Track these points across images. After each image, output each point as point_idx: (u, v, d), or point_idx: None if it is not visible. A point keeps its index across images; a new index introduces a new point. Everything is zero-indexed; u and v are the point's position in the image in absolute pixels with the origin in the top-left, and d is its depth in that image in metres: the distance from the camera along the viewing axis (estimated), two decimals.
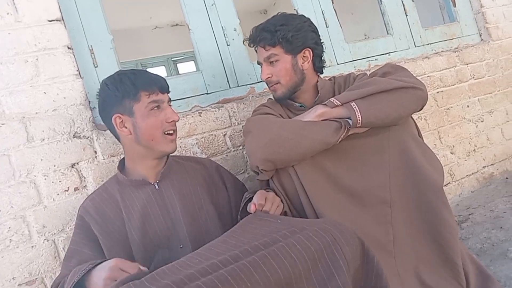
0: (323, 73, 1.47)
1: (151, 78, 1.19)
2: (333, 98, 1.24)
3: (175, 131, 1.23)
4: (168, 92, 1.23)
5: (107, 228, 1.17)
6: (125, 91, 1.16)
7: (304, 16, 1.42)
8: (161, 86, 1.20)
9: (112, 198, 1.21)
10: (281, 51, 1.35)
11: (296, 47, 1.35)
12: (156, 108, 1.18)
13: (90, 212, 1.19)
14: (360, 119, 1.17)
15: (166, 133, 1.20)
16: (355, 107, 1.18)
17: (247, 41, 1.44)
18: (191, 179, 1.28)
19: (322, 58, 1.44)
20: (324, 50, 1.45)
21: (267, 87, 1.49)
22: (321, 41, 1.43)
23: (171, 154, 1.29)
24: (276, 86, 1.39)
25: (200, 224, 1.22)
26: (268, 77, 1.38)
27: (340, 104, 1.21)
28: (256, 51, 1.44)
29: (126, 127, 1.19)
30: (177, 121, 1.22)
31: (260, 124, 1.26)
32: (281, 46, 1.34)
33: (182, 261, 0.88)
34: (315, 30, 1.41)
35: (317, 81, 1.43)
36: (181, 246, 1.18)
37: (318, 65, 1.43)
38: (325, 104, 1.24)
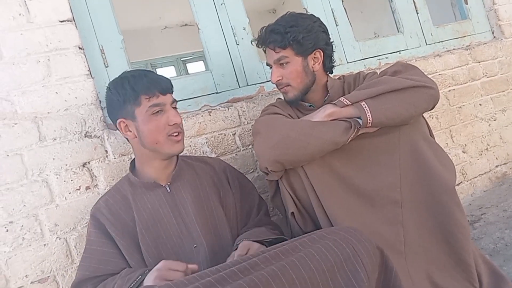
0: (332, 72, 1.45)
1: (151, 80, 1.16)
2: (342, 98, 1.22)
3: (180, 132, 1.20)
4: (171, 92, 1.21)
5: (121, 229, 1.17)
6: (126, 96, 1.15)
7: (314, 16, 1.40)
8: (162, 88, 1.16)
9: (125, 199, 1.21)
10: (292, 53, 1.33)
11: (307, 48, 1.33)
12: (158, 112, 1.16)
13: (104, 213, 1.18)
14: (371, 119, 1.16)
15: (170, 135, 1.18)
16: (365, 107, 1.17)
17: (255, 42, 1.42)
18: (200, 180, 1.28)
19: (332, 58, 1.42)
20: (334, 49, 1.43)
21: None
22: (331, 40, 1.41)
23: (180, 154, 1.29)
24: (287, 88, 1.37)
25: (212, 224, 1.22)
26: (279, 80, 1.36)
27: (350, 103, 1.20)
28: (265, 52, 1.42)
29: (131, 131, 1.19)
30: (180, 123, 1.20)
31: (268, 125, 1.25)
32: (291, 48, 1.32)
33: (202, 272, 0.87)
34: (325, 30, 1.39)
35: (327, 81, 1.42)
36: (194, 245, 1.18)
37: (328, 65, 1.42)
38: (334, 104, 1.23)
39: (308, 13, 1.41)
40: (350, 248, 0.89)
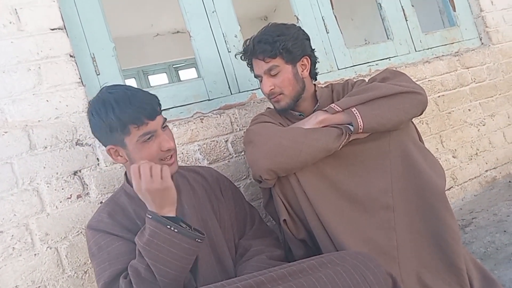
0: (316, 80, 1.47)
1: (138, 109, 1.06)
2: (333, 104, 1.23)
3: (173, 155, 1.15)
4: (160, 113, 1.13)
5: (129, 235, 1.11)
6: (112, 125, 1.07)
7: (295, 25, 1.42)
8: (150, 114, 1.08)
9: (125, 211, 1.16)
10: (282, 61, 1.33)
11: (296, 56, 1.35)
12: (149, 138, 1.09)
13: (109, 223, 1.13)
14: (362, 125, 1.17)
15: (163, 159, 1.13)
16: (356, 113, 1.18)
17: (240, 55, 1.41)
18: (194, 191, 1.26)
19: (316, 65, 1.45)
20: (317, 57, 1.45)
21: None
22: (314, 48, 1.43)
23: None
24: (280, 97, 1.37)
25: (208, 235, 1.19)
26: (271, 89, 1.36)
27: (341, 110, 1.21)
28: (250, 64, 1.42)
29: (121, 156, 1.13)
30: (173, 148, 1.14)
31: (260, 134, 1.25)
32: (281, 57, 1.33)
33: (207, 287, 0.87)
34: (308, 38, 1.42)
35: (315, 89, 1.43)
36: None
37: (314, 72, 1.44)
38: (325, 111, 1.24)
39: (288, 23, 1.41)
40: (359, 275, 0.89)
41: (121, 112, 1.05)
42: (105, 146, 1.14)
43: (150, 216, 1.01)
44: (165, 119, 1.15)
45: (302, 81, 1.38)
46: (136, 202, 1.16)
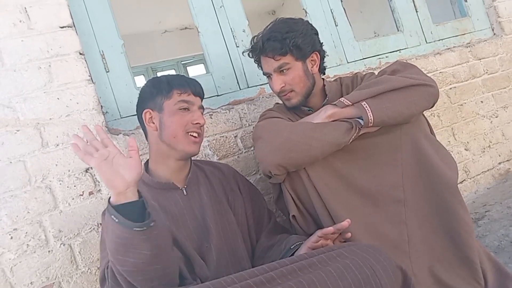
0: (325, 74, 1.45)
1: (187, 79, 1.24)
2: (343, 98, 1.22)
3: (200, 134, 1.23)
4: (202, 97, 1.26)
5: None
6: (159, 88, 1.21)
7: (303, 19, 1.39)
8: (195, 89, 1.23)
9: (146, 199, 1.17)
10: (292, 58, 1.31)
11: (306, 52, 1.32)
12: (185, 109, 1.20)
13: None
14: (372, 118, 1.16)
15: (189, 133, 1.20)
16: (366, 106, 1.17)
17: (248, 52, 1.40)
18: (211, 184, 1.28)
19: (325, 59, 1.43)
20: (325, 51, 1.43)
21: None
22: (322, 42, 1.41)
23: (192, 158, 1.27)
24: (291, 94, 1.35)
25: (223, 228, 1.21)
26: (282, 87, 1.33)
27: (351, 103, 1.20)
28: (258, 62, 1.40)
29: (154, 123, 1.21)
30: (203, 125, 1.23)
31: (269, 129, 1.24)
32: (292, 54, 1.30)
33: (216, 281, 0.86)
34: (316, 32, 1.39)
35: (324, 84, 1.41)
36: (206, 245, 1.17)
37: (322, 67, 1.42)
38: (335, 104, 1.23)
39: (296, 18, 1.39)
40: (369, 268, 0.88)
41: (172, 78, 1.23)
42: (143, 111, 1.22)
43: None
44: (203, 107, 1.28)
45: (312, 77, 1.36)
46: (153, 191, 1.18)
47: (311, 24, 1.39)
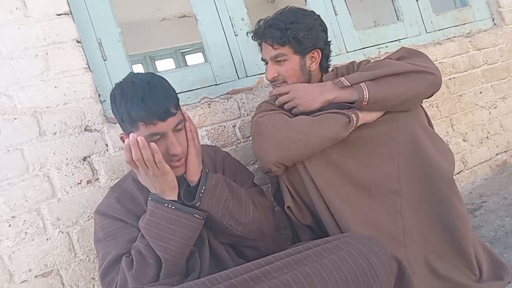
0: (327, 72, 1.43)
1: (148, 108, 1.02)
2: (343, 78, 1.22)
3: (180, 158, 1.10)
4: (174, 115, 1.06)
5: (130, 222, 1.12)
6: (123, 117, 1.06)
7: (315, 13, 1.36)
8: (160, 115, 1.03)
9: (134, 197, 1.17)
10: (290, 51, 1.29)
11: (306, 47, 1.30)
12: (158, 139, 1.06)
13: (117, 208, 1.14)
14: (367, 97, 1.16)
15: (170, 161, 1.08)
16: (364, 87, 1.18)
17: (252, 34, 1.38)
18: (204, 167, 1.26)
19: (329, 58, 1.40)
20: (331, 49, 1.40)
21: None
22: (329, 40, 1.38)
23: None
24: (283, 85, 1.33)
25: None
26: (275, 76, 1.32)
27: (350, 84, 1.20)
28: (260, 45, 1.38)
29: None
30: (181, 153, 1.08)
31: (267, 126, 1.22)
32: (290, 46, 1.28)
33: (212, 277, 0.87)
34: (325, 29, 1.35)
35: (321, 80, 1.39)
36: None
37: (325, 66, 1.39)
38: (335, 84, 1.23)
39: (309, 10, 1.36)
40: (364, 259, 0.89)
41: (132, 108, 1.03)
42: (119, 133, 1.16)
43: (150, 198, 1.07)
44: (182, 121, 1.10)
45: (309, 74, 1.34)
46: (144, 187, 1.16)
47: (321, 20, 1.35)
